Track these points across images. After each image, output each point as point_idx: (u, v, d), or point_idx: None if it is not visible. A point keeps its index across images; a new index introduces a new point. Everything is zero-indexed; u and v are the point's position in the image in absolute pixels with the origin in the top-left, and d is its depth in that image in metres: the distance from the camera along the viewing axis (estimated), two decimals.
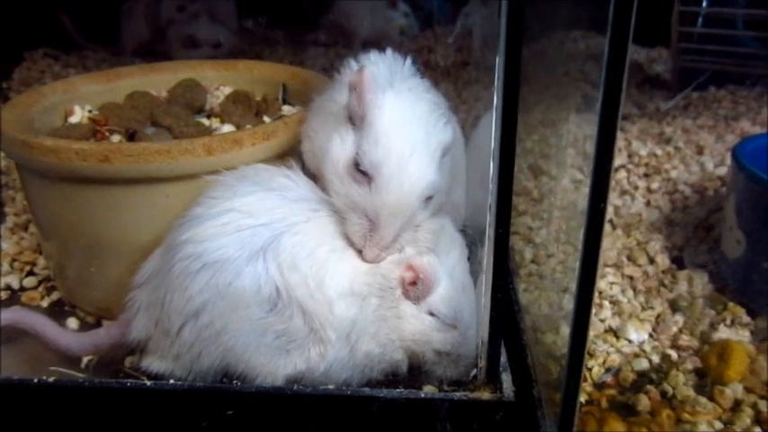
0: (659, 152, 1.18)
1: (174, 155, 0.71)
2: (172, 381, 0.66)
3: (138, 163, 0.70)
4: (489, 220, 0.57)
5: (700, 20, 1.35)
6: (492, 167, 0.54)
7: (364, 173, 0.64)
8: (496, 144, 0.53)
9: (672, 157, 1.17)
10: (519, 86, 0.53)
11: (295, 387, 0.64)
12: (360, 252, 0.66)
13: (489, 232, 0.57)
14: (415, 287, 0.65)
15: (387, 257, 0.66)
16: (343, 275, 0.65)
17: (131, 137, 0.85)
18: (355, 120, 0.66)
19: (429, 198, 0.67)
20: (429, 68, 1.56)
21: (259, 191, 0.67)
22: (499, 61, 0.53)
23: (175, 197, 0.72)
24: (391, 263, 0.66)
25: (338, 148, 0.66)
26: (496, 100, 0.54)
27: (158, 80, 1.01)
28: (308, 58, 1.73)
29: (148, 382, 0.65)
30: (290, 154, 0.77)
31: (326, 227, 0.66)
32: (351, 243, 0.66)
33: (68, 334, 0.77)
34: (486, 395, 0.64)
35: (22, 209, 1.04)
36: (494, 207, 0.56)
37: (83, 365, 0.74)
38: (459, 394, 0.64)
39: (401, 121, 0.65)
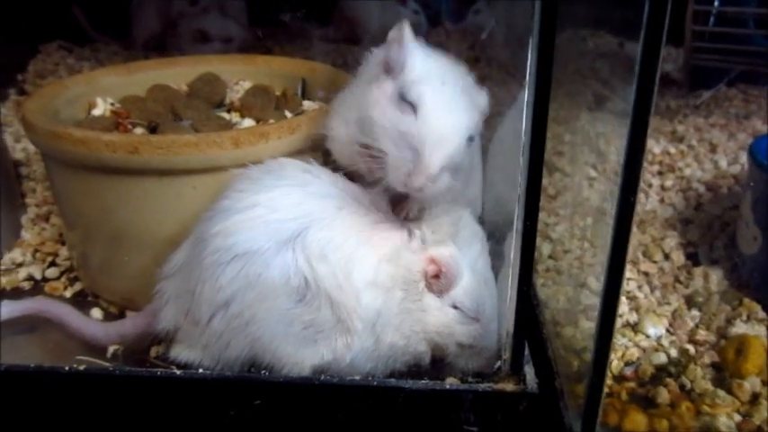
0: (672, 150, 1.19)
1: (202, 147, 0.72)
2: (201, 370, 0.67)
3: (167, 155, 0.71)
4: (517, 214, 0.58)
5: (712, 19, 1.36)
6: (522, 161, 0.55)
7: (410, 103, 0.64)
8: (527, 139, 0.54)
9: (685, 155, 1.18)
10: (551, 83, 0.54)
11: (322, 377, 0.65)
12: (404, 186, 0.64)
13: (517, 225, 0.58)
14: (438, 280, 0.67)
15: (434, 193, 0.64)
16: (369, 267, 0.66)
17: (153, 130, 0.86)
18: (395, 68, 0.67)
19: (470, 139, 0.67)
20: None
21: (284, 186, 0.68)
22: (531, 59, 0.54)
23: (202, 189, 0.73)
24: (414, 255, 0.67)
25: (377, 91, 0.67)
26: (527, 96, 0.55)
27: (177, 74, 1.02)
28: (317, 53, 1.73)
29: (178, 371, 0.66)
30: (313, 147, 0.78)
31: (352, 221, 0.67)
32: (393, 184, 0.65)
33: (94, 323, 0.78)
34: (510, 387, 0.65)
35: (42, 200, 1.05)
36: (522, 199, 0.57)
37: (108, 355, 0.75)
38: (483, 385, 0.65)
39: (444, 66, 0.68)
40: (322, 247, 0.64)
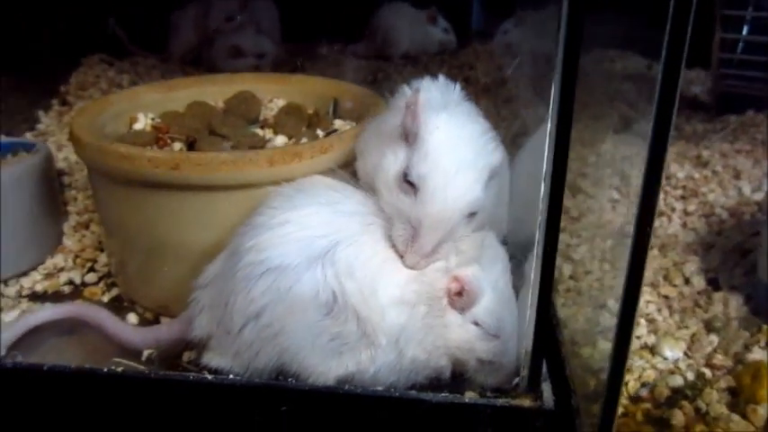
0: (696, 175, 1.20)
1: (239, 165, 0.75)
2: (231, 376, 0.70)
3: (206, 172, 0.75)
4: (538, 238, 0.60)
5: (740, 45, 1.37)
6: (543, 188, 0.58)
7: (412, 184, 0.68)
8: (548, 166, 0.57)
9: (709, 180, 1.19)
10: (573, 109, 0.56)
11: (346, 387, 0.68)
12: (402, 258, 0.70)
13: (537, 250, 0.61)
14: (460, 297, 0.69)
15: (427, 266, 0.70)
16: (395, 284, 0.69)
17: (191, 144, 0.90)
18: (409, 137, 0.70)
19: (472, 214, 0.71)
20: (469, 84, 1.60)
21: (315, 204, 0.71)
22: (555, 84, 0.56)
23: (237, 204, 0.77)
24: (438, 273, 0.70)
25: (390, 160, 0.71)
26: (550, 125, 0.57)
27: (215, 91, 1.06)
28: (348, 70, 1.77)
29: (209, 377, 0.70)
30: (344, 166, 0.81)
31: (379, 239, 0.70)
32: (395, 249, 0.70)
33: (130, 328, 0.82)
34: (527, 403, 0.67)
35: (83, 208, 1.10)
36: (543, 226, 0.60)
37: (143, 358, 0.79)
38: (501, 401, 0.67)
39: (451, 140, 0.69)
40: (350, 264, 0.67)
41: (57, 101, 1.54)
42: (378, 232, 0.70)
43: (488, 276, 0.71)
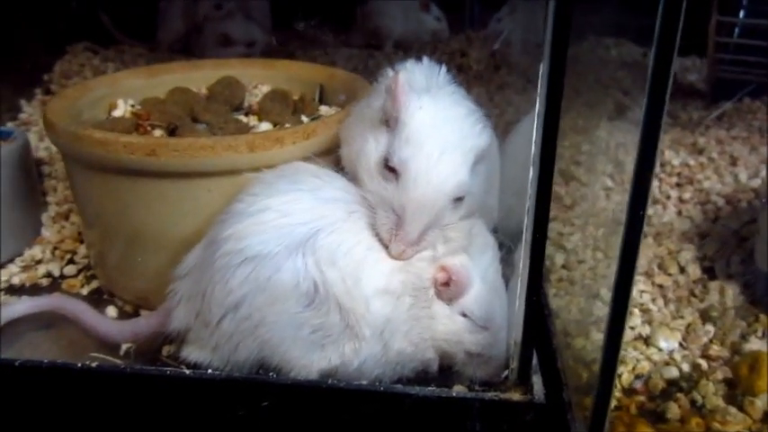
0: (692, 162, 1.18)
1: (218, 151, 0.72)
2: (210, 370, 0.68)
3: (184, 158, 0.72)
4: (527, 224, 0.58)
5: (736, 30, 1.35)
6: (531, 173, 0.55)
7: (394, 170, 0.65)
8: (537, 150, 0.54)
9: (705, 167, 1.17)
10: (562, 94, 0.54)
11: (329, 381, 0.66)
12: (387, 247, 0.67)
13: (526, 236, 0.58)
14: (447, 288, 0.67)
15: (413, 255, 0.67)
16: (379, 274, 0.66)
17: (172, 132, 0.87)
18: (390, 121, 0.67)
19: (459, 199, 0.68)
20: (461, 72, 1.57)
21: (296, 191, 0.68)
22: (543, 68, 0.54)
23: (217, 191, 0.74)
24: (425, 262, 0.67)
25: (371, 146, 0.68)
26: (538, 107, 0.55)
27: (198, 77, 1.03)
28: (340, 58, 1.74)
29: (188, 371, 0.67)
30: (328, 153, 0.79)
31: (363, 227, 0.68)
32: (379, 238, 0.67)
33: (109, 321, 0.80)
34: (517, 396, 0.64)
35: (63, 198, 1.07)
36: (532, 212, 0.57)
37: (122, 353, 0.76)
38: (490, 394, 0.65)
39: (434, 122, 0.66)
40: (332, 252, 0.64)
41: (40, 90, 1.50)
42: (362, 220, 0.67)
43: (477, 266, 0.69)
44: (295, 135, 0.76)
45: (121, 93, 0.97)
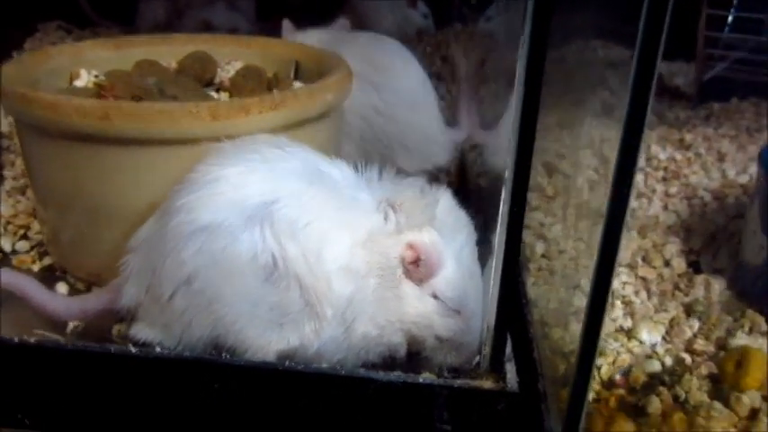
0: (679, 157, 1.15)
1: (176, 117, 0.68)
2: (158, 349, 0.63)
3: (140, 123, 0.67)
4: (504, 197, 0.54)
5: (726, 28, 1.32)
6: (511, 134, 0.51)
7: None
8: (517, 111, 0.50)
9: (692, 162, 1.14)
10: (544, 61, 0.50)
11: (287, 363, 0.61)
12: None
13: (503, 210, 0.54)
14: (417, 267, 0.62)
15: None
16: (342, 250, 0.61)
17: None
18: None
19: None
20: (446, 63, 1.53)
21: (253, 161, 0.64)
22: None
23: (176, 162, 0.69)
24: (391, 239, 0.63)
25: None
26: (519, 69, 0.51)
27: (169, 51, 0.98)
28: None
29: (133, 349, 0.62)
30: (298, 127, 0.74)
31: (324, 200, 0.63)
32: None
33: (57, 298, 0.74)
34: (488, 384, 0.60)
35: (20, 173, 1.02)
36: (510, 182, 0.53)
37: (68, 330, 0.71)
38: (459, 381, 0.60)
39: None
40: (291, 224, 0.60)
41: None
42: (323, 192, 0.62)
43: (450, 245, 0.64)
44: (261, 105, 0.71)
45: (85, 63, 0.91)
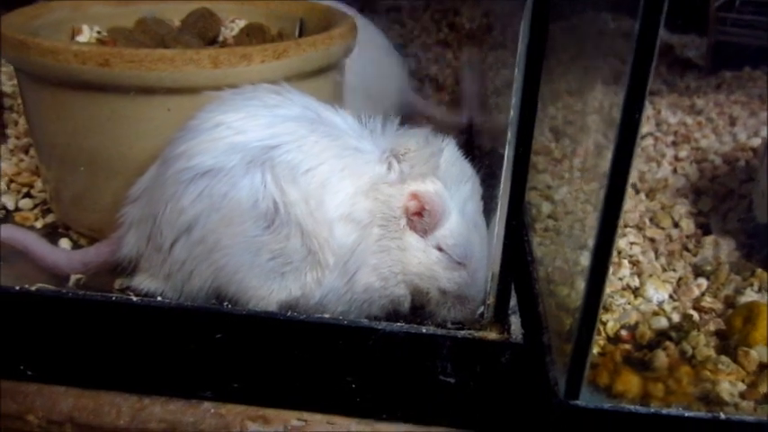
0: (689, 121, 1.13)
1: (177, 64, 0.66)
2: (159, 298, 0.62)
3: (140, 69, 0.66)
4: (509, 138, 0.52)
5: None
6: (517, 75, 0.49)
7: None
8: (523, 47, 0.48)
9: (703, 126, 1.12)
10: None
11: (288, 313, 0.60)
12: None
13: (509, 152, 0.53)
14: (421, 218, 0.61)
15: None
16: (344, 198, 0.60)
17: None
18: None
19: None
20: (454, 30, 1.51)
21: (253, 106, 0.62)
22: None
23: (176, 111, 0.68)
24: (394, 188, 0.62)
25: None
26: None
27: (172, 8, 0.96)
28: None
29: (135, 298, 0.62)
30: (301, 78, 0.73)
31: (325, 146, 0.61)
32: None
33: (58, 251, 0.74)
34: (492, 335, 0.59)
35: (23, 132, 1.01)
36: (515, 124, 0.51)
37: (70, 283, 0.70)
38: (463, 332, 0.59)
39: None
40: (292, 170, 0.59)
41: None
42: (325, 139, 0.61)
43: (455, 197, 0.63)
44: (264, 53, 0.70)
45: (86, 19, 0.90)
